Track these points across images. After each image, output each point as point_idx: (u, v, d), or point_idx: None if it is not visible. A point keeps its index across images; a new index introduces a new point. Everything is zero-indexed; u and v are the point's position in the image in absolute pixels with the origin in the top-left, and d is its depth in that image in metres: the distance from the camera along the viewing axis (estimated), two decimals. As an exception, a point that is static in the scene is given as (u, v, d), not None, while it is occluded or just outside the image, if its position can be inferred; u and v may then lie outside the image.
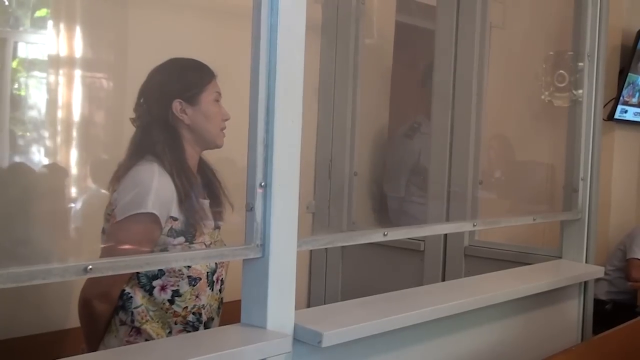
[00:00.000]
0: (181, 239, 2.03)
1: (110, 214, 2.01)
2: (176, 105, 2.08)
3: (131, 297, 2.03)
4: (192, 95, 2.09)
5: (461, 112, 3.03)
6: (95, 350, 2.06)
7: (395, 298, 2.02)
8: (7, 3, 2.48)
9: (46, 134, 2.61)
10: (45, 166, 2.60)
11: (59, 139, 2.66)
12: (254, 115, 1.55)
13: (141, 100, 2.11)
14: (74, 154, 2.65)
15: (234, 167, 2.25)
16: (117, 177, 2.04)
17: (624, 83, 4.59)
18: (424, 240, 3.13)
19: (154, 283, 2.04)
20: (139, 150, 2.06)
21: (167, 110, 2.08)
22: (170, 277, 2.05)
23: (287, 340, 1.58)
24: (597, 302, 2.84)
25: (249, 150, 1.57)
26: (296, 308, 1.65)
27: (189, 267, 2.05)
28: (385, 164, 3.62)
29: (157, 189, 1.99)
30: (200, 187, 2.13)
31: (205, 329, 2.12)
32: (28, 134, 2.55)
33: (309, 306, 3.32)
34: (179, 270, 2.04)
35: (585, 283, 2.69)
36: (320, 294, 3.45)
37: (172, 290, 2.05)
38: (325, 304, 3.34)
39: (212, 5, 2.92)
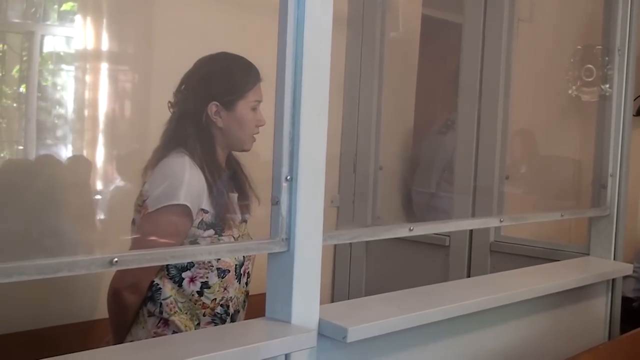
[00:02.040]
0: (211, 232, 2.04)
1: (142, 205, 2.02)
2: (212, 107, 2.07)
3: (160, 288, 2.04)
4: (230, 101, 2.09)
5: (488, 106, 3.00)
6: (122, 341, 2.07)
7: (420, 293, 2.01)
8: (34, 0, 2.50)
9: (73, 126, 2.62)
10: (71, 158, 2.61)
11: (85, 132, 2.67)
12: (280, 109, 1.54)
13: (182, 87, 2.11)
14: (100, 147, 2.67)
15: (257, 161, 2.25)
16: (149, 167, 2.05)
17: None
18: (449, 236, 3.11)
19: (184, 275, 2.05)
20: (171, 142, 2.06)
21: (204, 107, 2.08)
22: (200, 269, 2.05)
23: (311, 335, 1.58)
24: (624, 300, 2.80)
25: (275, 144, 1.56)
26: (320, 303, 1.64)
27: (218, 259, 2.06)
28: (416, 159, 3.60)
29: (189, 181, 2.00)
30: (228, 180, 2.13)
31: (231, 321, 2.13)
32: (55, 126, 2.56)
33: (332, 300, 3.32)
34: (209, 262, 2.05)
35: (613, 280, 2.66)
36: (344, 289, 3.44)
37: (201, 282, 2.06)
38: (349, 298, 3.36)
39: (238, -1, 2.93)
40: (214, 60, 2.13)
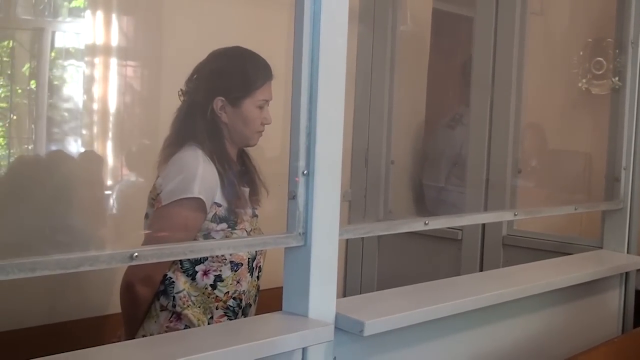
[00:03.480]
0: (224, 225, 2.04)
1: (155, 198, 2.02)
2: (217, 102, 2.07)
3: (173, 282, 2.05)
4: (236, 98, 2.08)
5: (500, 100, 2.99)
6: (134, 335, 2.08)
7: (435, 287, 2.01)
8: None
9: (83, 122, 2.63)
10: (82, 154, 2.62)
11: (96, 127, 2.68)
12: (296, 104, 1.54)
13: (194, 77, 2.11)
14: (110, 142, 2.67)
15: (263, 156, 2.25)
16: (162, 161, 2.06)
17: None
18: (461, 229, 3.11)
19: (197, 268, 2.05)
20: (182, 135, 2.07)
21: (210, 101, 2.08)
22: (213, 262, 2.06)
23: (329, 329, 1.58)
24: (637, 293, 2.80)
25: (292, 139, 1.56)
26: (334, 297, 1.64)
27: (233, 253, 2.06)
28: (425, 153, 3.59)
29: (202, 174, 2.01)
30: (240, 174, 2.13)
31: (243, 315, 2.14)
32: (66, 122, 2.57)
33: (344, 294, 3.32)
34: (222, 256, 2.06)
35: (627, 274, 2.66)
36: (356, 282, 3.45)
37: (215, 275, 2.06)
38: (361, 292, 3.36)
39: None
40: (226, 54, 2.13)
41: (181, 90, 2.11)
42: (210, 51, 2.13)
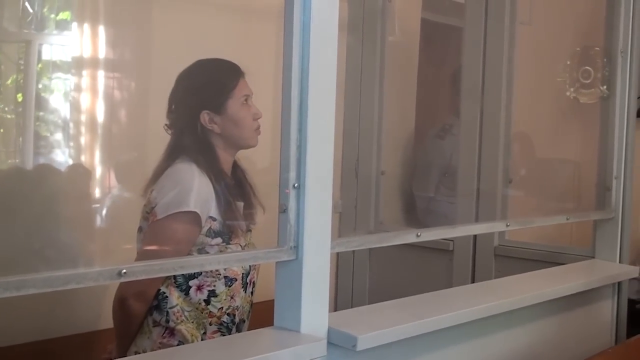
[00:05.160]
0: (218, 240, 2.03)
1: (150, 212, 2.00)
2: (204, 116, 2.06)
3: (167, 296, 2.03)
4: (218, 104, 2.07)
5: (490, 110, 2.99)
6: (126, 351, 2.05)
7: (428, 300, 2.00)
8: (30, 10, 2.48)
9: (71, 135, 2.60)
10: (70, 167, 2.60)
11: (83, 140, 2.66)
12: (286, 116, 1.53)
13: (172, 107, 2.10)
14: (98, 155, 2.65)
15: (253, 168, 2.24)
16: (154, 178, 2.04)
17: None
18: (453, 240, 3.09)
19: (191, 283, 2.03)
20: (175, 153, 2.05)
21: (196, 120, 2.06)
22: (207, 277, 2.04)
23: (321, 344, 1.56)
24: (629, 302, 2.79)
25: (282, 151, 1.54)
26: (326, 310, 1.62)
27: (226, 267, 2.04)
28: (415, 163, 3.59)
29: (198, 188, 1.99)
30: (234, 189, 2.11)
31: (237, 331, 2.12)
32: (53, 135, 2.55)
33: (336, 308, 3.30)
34: (216, 271, 2.04)
35: (619, 283, 2.65)
36: (348, 295, 3.43)
37: (209, 291, 2.04)
38: (352, 304, 3.34)
39: (236, 4, 2.91)
40: (191, 70, 2.11)
41: (166, 125, 2.10)
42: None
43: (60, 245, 2.28)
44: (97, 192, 2.64)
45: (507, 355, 2.16)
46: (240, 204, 2.13)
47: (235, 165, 2.17)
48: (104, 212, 2.56)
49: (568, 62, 3.26)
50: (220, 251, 2.01)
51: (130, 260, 1.78)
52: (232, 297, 2.08)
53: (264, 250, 1.57)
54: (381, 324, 1.72)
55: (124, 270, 1.28)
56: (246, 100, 2.11)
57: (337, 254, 3.44)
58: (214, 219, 2.02)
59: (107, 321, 2.11)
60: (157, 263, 1.38)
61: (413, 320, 1.77)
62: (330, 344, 1.59)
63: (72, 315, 2.51)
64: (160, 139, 2.12)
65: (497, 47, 2.97)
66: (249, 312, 2.19)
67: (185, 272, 1.92)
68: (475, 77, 3.01)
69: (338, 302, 3.43)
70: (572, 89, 3.22)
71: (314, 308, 1.57)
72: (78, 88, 2.62)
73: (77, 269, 1.24)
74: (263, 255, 1.59)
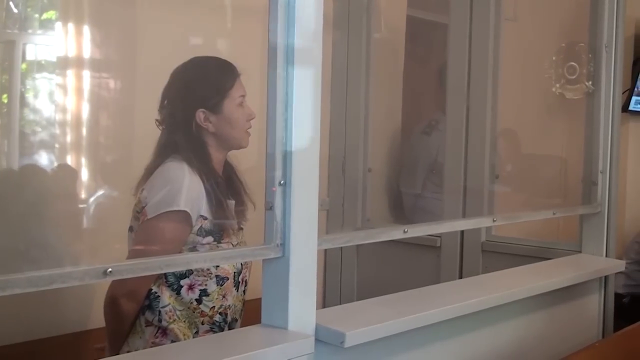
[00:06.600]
0: (210, 239, 2.02)
1: (140, 211, 1.99)
2: (200, 115, 2.05)
3: (158, 296, 2.02)
4: (215, 103, 2.06)
5: (476, 106, 2.99)
6: (118, 351, 2.04)
7: (416, 296, 2.00)
8: (14, 9, 2.47)
9: (56, 135, 2.59)
10: (56, 167, 2.58)
11: (68, 140, 2.64)
12: (272, 113, 1.53)
13: (165, 102, 2.08)
14: (84, 155, 2.64)
15: (241, 167, 2.23)
16: (145, 177, 2.03)
17: (639, 74, 4.54)
18: (440, 236, 3.10)
19: (182, 282, 2.02)
20: (166, 152, 2.04)
21: (191, 117, 2.05)
22: (199, 277, 2.03)
23: (309, 341, 1.56)
24: (615, 296, 2.80)
25: (268, 148, 1.55)
26: (314, 307, 1.62)
27: (217, 266, 2.04)
28: (402, 160, 3.59)
29: (188, 187, 1.98)
30: (225, 187, 2.11)
31: (229, 329, 2.11)
32: (38, 135, 2.53)
33: (324, 304, 3.30)
34: (207, 270, 2.03)
35: (606, 277, 2.66)
36: (336, 292, 3.42)
37: (200, 290, 2.04)
38: (341, 301, 3.34)
39: (221, 2, 2.90)
40: (188, 67, 2.10)
41: (157, 120, 2.09)
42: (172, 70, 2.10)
43: (46, 245, 2.27)
44: (83, 192, 2.63)
45: (495, 349, 2.16)
46: (232, 202, 2.12)
47: (226, 163, 2.16)
48: (90, 212, 2.55)
49: (553, 58, 3.26)
50: (211, 250, 2.00)
51: (117, 260, 1.77)
52: (224, 296, 2.07)
53: (251, 247, 1.57)
54: (369, 321, 1.72)
55: (110, 269, 1.28)
56: (242, 101, 2.10)
57: (325, 251, 3.43)
58: (205, 218, 2.01)
59: (94, 321, 2.09)
60: (142, 262, 1.38)
61: (401, 316, 1.78)
62: (318, 341, 1.60)
63: (60, 315, 2.50)
64: (146, 138, 2.11)
65: (483, 44, 2.98)
66: (242, 310, 2.18)
67: (171, 270, 1.91)
68: (461, 73, 3.01)
69: (326, 300, 3.43)
70: (557, 85, 3.23)
71: (301, 305, 1.57)
72: (63, 88, 2.60)
73: (62, 268, 1.23)
74: (250, 252, 1.59)
